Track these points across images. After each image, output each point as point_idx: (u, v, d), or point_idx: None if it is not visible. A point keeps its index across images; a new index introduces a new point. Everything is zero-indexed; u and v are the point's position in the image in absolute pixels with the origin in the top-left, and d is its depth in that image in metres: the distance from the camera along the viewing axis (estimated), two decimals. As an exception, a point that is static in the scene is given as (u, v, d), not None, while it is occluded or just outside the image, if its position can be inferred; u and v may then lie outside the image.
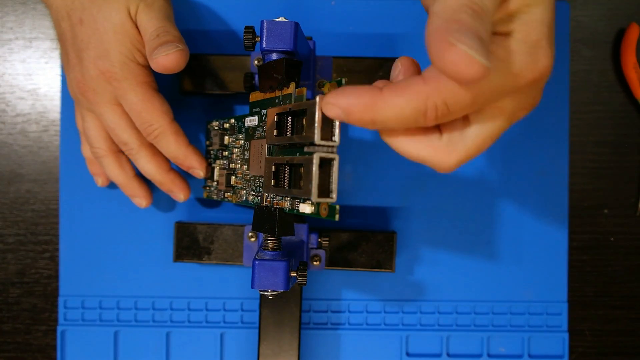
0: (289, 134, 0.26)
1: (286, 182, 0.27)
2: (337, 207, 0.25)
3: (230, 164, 0.34)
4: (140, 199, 0.38)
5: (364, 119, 0.22)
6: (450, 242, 0.41)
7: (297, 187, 0.26)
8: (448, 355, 0.41)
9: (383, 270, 0.38)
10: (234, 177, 0.34)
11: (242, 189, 0.33)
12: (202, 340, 0.41)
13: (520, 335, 0.41)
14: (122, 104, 0.34)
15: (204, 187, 0.38)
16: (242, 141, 0.33)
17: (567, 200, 0.41)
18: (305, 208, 0.26)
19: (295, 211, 0.27)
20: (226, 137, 0.35)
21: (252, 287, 0.29)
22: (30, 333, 0.41)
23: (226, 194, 0.35)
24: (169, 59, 0.32)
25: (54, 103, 0.41)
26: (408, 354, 0.41)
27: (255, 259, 0.29)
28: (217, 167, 0.36)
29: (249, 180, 0.32)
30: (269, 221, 0.28)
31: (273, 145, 0.28)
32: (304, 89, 0.27)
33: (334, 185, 0.24)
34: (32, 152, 0.41)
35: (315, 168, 0.23)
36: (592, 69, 0.42)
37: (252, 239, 0.37)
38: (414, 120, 0.22)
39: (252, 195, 0.31)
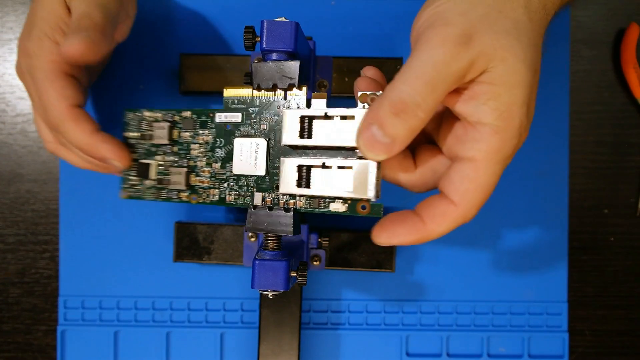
0: (322, 137, 0.28)
1: (310, 182, 0.28)
2: (382, 204, 0.27)
3: (189, 162, 0.32)
4: (116, 163, 0.32)
5: (416, 243, 0.27)
6: (450, 242, 0.41)
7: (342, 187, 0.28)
8: (448, 355, 0.41)
9: (383, 270, 0.38)
10: (193, 176, 0.32)
11: (212, 188, 0.31)
12: (202, 340, 0.41)
13: (520, 335, 0.41)
14: None
15: (125, 187, 0.33)
16: (211, 137, 0.31)
17: (567, 200, 0.41)
18: (339, 207, 0.28)
19: (316, 211, 0.28)
20: (175, 131, 0.32)
21: (252, 287, 0.29)
22: (30, 333, 0.41)
23: (181, 194, 0.32)
24: (70, 49, 0.29)
25: (54, 103, 0.41)
26: (408, 354, 0.41)
27: (255, 259, 0.29)
28: (155, 164, 0.33)
29: (226, 180, 0.31)
30: (278, 221, 0.29)
31: (288, 145, 0.29)
32: (325, 94, 0.28)
33: (379, 186, 0.27)
34: (32, 152, 0.41)
35: (375, 171, 0.27)
36: (592, 69, 0.42)
37: (252, 239, 0.37)
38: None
39: (235, 195, 0.30)
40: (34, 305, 0.41)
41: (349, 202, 0.28)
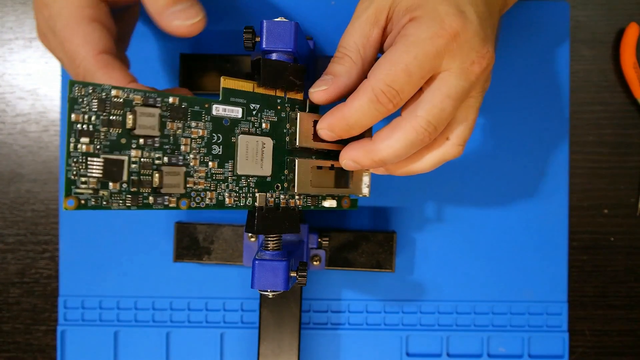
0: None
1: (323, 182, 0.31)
2: (357, 199, 0.33)
3: (178, 158, 0.26)
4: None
5: (343, 128, 0.28)
6: (450, 242, 0.41)
7: (342, 186, 0.32)
8: (448, 355, 0.41)
9: (383, 270, 0.38)
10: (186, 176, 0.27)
11: (208, 190, 0.27)
12: (202, 340, 0.41)
13: (520, 335, 0.41)
14: None
15: (76, 192, 0.24)
16: (207, 132, 0.27)
17: (567, 200, 0.41)
18: (333, 203, 0.32)
19: (312, 207, 0.31)
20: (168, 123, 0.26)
21: (252, 287, 0.29)
22: (30, 333, 0.41)
23: (170, 199, 0.26)
24: (190, 29, 0.29)
25: (54, 103, 0.41)
26: (408, 354, 0.41)
27: (255, 259, 0.29)
28: (127, 161, 0.25)
29: (224, 181, 0.28)
30: (287, 220, 0.29)
31: (299, 147, 0.30)
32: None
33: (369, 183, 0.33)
34: (32, 152, 0.41)
35: (369, 172, 0.32)
36: (592, 69, 0.42)
37: (252, 239, 0.37)
38: (375, 110, 0.27)
39: (235, 197, 0.28)
40: (34, 305, 0.41)
41: (336, 198, 0.32)
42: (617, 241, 0.42)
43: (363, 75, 0.29)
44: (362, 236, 0.38)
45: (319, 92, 0.28)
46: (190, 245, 0.38)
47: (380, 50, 0.30)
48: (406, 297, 0.41)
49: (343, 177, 0.32)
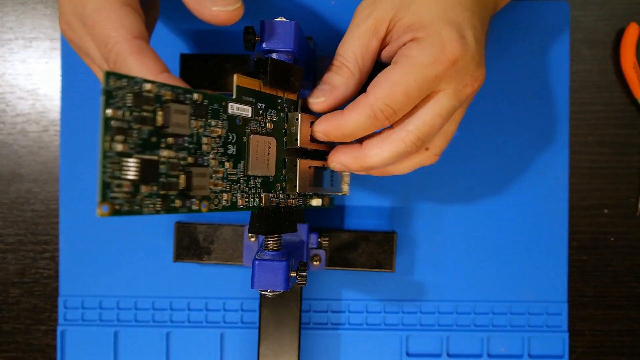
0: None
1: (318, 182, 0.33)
2: (334, 198, 0.36)
3: (203, 159, 0.25)
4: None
5: (337, 136, 0.29)
6: (450, 242, 0.41)
7: (320, 184, 0.34)
8: (448, 355, 0.41)
9: (383, 270, 0.38)
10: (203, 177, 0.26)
11: (225, 191, 0.26)
12: (202, 340, 0.41)
13: (520, 335, 0.41)
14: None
15: (112, 196, 0.21)
16: (224, 130, 0.26)
17: (567, 200, 0.41)
18: (318, 201, 0.33)
19: (303, 206, 0.32)
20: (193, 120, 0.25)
21: (252, 287, 0.29)
22: (30, 333, 0.41)
23: (195, 202, 0.25)
24: (229, 15, 0.27)
25: (54, 103, 0.41)
26: (408, 354, 0.41)
27: (255, 259, 0.29)
28: (163, 162, 0.23)
29: (237, 181, 0.27)
30: (288, 219, 0.30)
31: (298, 147, 0.30)
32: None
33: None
34: (32, 152, 0.41)
35: (349, 172, 0.34)
36: (592, 69, 0.42)
37: (252, 239, 0.37)
38: (370, 124, 0.28)
39: (245, 197, 0.28)
40: (34, 305, 0.41)
41: (320, 197, 0.34)
42: (617, 241, 0.42)
43: (360, 85, 0.30)
44: (362, 236, 0.38)
45: (316, 104, 0.30)
46: (190, 245, 0.38)
47: (377, 58, 0.30)
48: (406, 297, 0.41)
49: (322, 177, 0.34)
